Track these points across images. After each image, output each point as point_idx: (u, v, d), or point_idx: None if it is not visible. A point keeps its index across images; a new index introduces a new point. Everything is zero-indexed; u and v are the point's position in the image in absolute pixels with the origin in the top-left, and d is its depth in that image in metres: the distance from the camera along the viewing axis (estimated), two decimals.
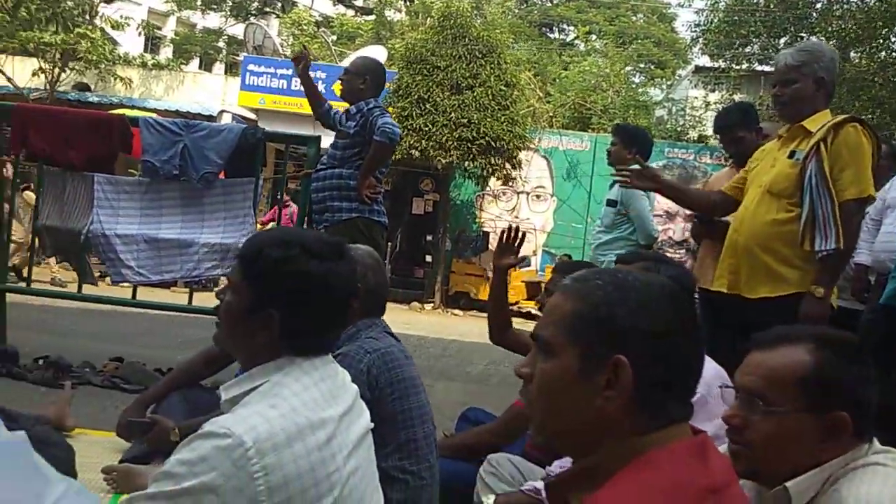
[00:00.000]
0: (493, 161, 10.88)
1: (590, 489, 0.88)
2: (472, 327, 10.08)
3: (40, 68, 12.53)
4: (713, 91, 15.54)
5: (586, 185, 13.29)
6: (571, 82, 16.06)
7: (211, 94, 13.72)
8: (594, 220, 12.96)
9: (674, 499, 0.84)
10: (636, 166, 2.87)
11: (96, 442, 2.77)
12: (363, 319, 1.99)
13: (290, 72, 12.38)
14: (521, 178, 11.96)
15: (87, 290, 4.67)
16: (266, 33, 14.34)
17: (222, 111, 12.42)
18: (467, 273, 12.55)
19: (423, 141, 10.53)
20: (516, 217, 13.62)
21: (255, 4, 21.77)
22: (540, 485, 1.71)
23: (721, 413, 1.28)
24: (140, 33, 16.74)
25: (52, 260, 8.58)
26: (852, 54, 12.22)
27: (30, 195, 7.49)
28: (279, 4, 21.97)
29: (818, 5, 12.86)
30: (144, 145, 4.11)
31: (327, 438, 1.17)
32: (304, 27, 18.04)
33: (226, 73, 21.42)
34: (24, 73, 12.60)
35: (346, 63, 13.56)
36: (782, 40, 12.88)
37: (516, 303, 12.23)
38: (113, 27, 13.49)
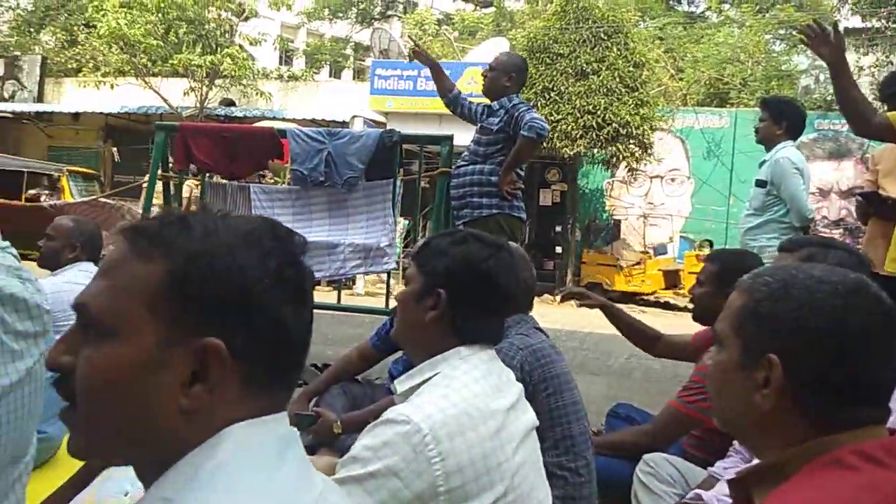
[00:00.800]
0: (622, 147, 10.55)
1: (773, 485, 0.87)
2: (607, 319, 9.86)
3: (190, 87, 13.65)
4: (866, 54, 14.14)
5: (727, 164, 12.56)
6: (705, 56, 15.22)
7: (342, 100, 14.33)
8: (737, 201, 12.24)
9: (857, 499, 0.80)
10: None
11: None
12: (513, 315, 2.02)
13: (415, 73, 12.67)
14: (654, 161, 11.50)
15: None
16: (391, 37, 14.75)
17: (354, 116, 12.93)
18: (599, 263, 12.28)
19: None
20: (650, 203, 13.14)
21: (378, 9, 22.45)
22: (706, 494, 1.66)
23: None
24: (275, 47, 17.79)
25: None
26: None
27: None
28: (401, 7, 22.53)
29: None
30: (292, 155, 4.38)
31: (496, 429, 1.22)
32: (427, 27, 18.39)
33: (354, 78, 22.32)
34: (176, 92, 13.79)
35: (468, 59, 13.70)
36: None
37: (653, 292, 11.82)
38: (251, 44, 14.44)
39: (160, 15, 12.55)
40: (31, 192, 11.56)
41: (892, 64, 12.44)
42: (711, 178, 12.72)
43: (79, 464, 1.89)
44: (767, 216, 3.63)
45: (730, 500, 1.01)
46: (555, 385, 1.91)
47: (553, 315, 9.87)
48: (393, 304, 4.34)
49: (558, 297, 11.81)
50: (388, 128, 12.55)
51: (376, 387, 3.06)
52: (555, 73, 10.60)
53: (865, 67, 13.85)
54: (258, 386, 0.70)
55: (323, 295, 6.98)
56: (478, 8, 21.78)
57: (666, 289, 11.43)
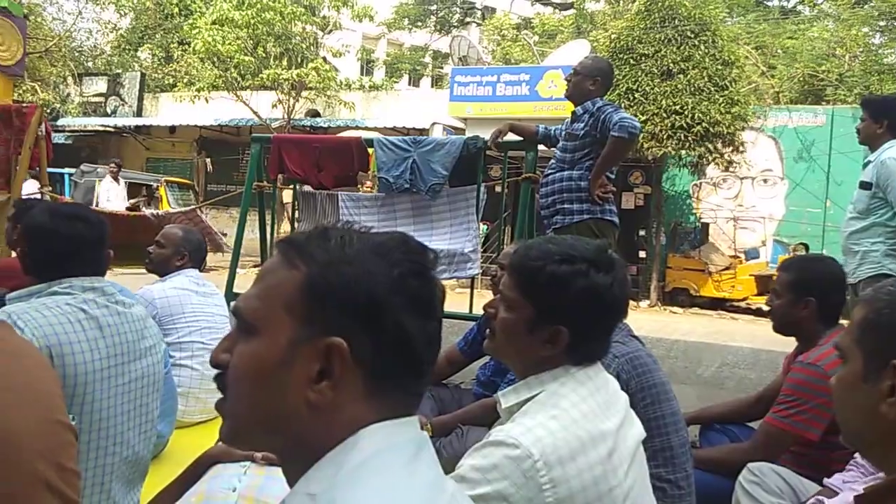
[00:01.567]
0: (711, 147, 10.18)
1: None
2: (695, 326, 9.54)
3: (278, 100, 14.16)
4: None
5: (823, 165, 11.90)
6: (798, 52, 14.50)
7: (422, 108, 14.52)
8: (834, 203, 11.57)
9: None
10: None
11: None
12: None
13: (494, 79, 12.69)
14: (744, 162, 11.05)
15: None
16: (470, 43, 14.84)
17: (434, 123, 13.07)
18: (686, 268, 11.87)
19: None
20: (740, 205, 12.63)
21: (457, 16, 22.63)
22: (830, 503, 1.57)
23: None
24: (358, 58, 18.21)
25: None
26: None
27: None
28: (479, 13, 22.62)
29: None
30: (378, 163, 4.46)
31: (608, 453, 1.17)
32: (505, 32, 18.38)
33: (432, 86, 22.58)
34: (265, 105, 14.34)
35: (548, 63, 13.60)
36: None
37: (744, 298, 11.34)
38: (334, 56, 14.84)
39: (249, 31, 13.08)
40: (133, 201, 12.30)
41: None
42: (806, 179, 12.09)
43: (187, 460, 1.99)
44: (872, 219, 3.42)
45: None
46: (653, 395, 1.86)
47: (638, 321, 9.62)
48: (477, 310, 4.35)
49: (643, 304, 11.53)
50: (466, 133, 12.68)
51: (464, 391, 3.07)
52: (639, 73, 10.36)
53: None
54: (383, 389, 0.74)
55: None
56: (557, 11, 21.61)
57: (758, 295, 10.91)
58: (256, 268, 9.78)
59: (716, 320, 10.62)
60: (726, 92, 10.15)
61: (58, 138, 13.88)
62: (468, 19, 22.85)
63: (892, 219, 3.34)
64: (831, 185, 11.66)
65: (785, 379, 2.23)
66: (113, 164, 11.43)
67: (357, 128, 12.87)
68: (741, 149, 10.66)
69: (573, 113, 3.73)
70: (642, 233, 12.56)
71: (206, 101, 14.18)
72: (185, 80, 17.14)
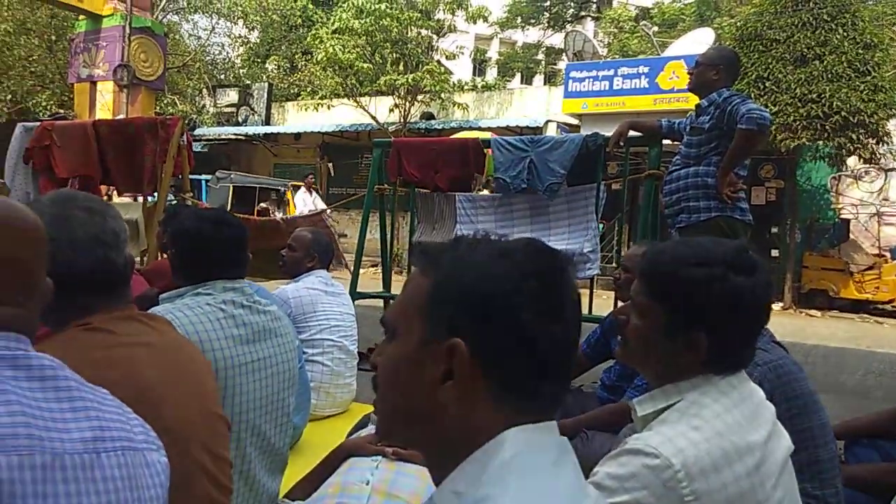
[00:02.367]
0: (852, 137, 9.39)
1: None
2: (835, 330, 8.84)
3: (395, 104, 14.53)
4: None
5: None
6: None
7: (535, 106, 14.40)
8: None
9: None
10: None
11: None
12: None
13: (611, 73, 12.37)
14: (890, 153, 10.10)
15: None
16: (585, 38, 14.54)
17: (548, 121, 12.93)
18: (824, 268, 11.02)
19: None
20: (885, 199, 11.57)
21: (571, 11, 22.26)
22: None
23: None
24: (471, 58, 18.33)
25: None
26: None
27: None
28: (594, 6, 22.14)
29: None
30: (496, 163, 4.47)
31: (755, 465, 1.11)
32: (623, 24, 17.87)
33: (545, 83, 22.33)
34: (382, 109, 14.75)
35: (669, 53, 13.08)
36: None
37: (891, 300, 10.39)
38: (447, 58, 15.02)
39: (367, 38, 13.52)
40: (262, 205, 13.05)
41: None
42: None
43: (320, 451, 2.08)
44: None
45: None
46: (799, 406, 1.74)
47: (772, 325, 8.94)
48: (596, 311, 4.25)
49: (776, 306, 10.81)
50: (581, 130, 12.44)
51: (587, 395, 3.01)
52: (770, 60, 9.72)
53: None
54: (513, 392, 0.74)
55: None
56: None
57: None
58: (375, 267, 10.10)
59: (858, 324, 9.79)
60: (869, 78, 9.32)
61: (195, 147, 14.98)
62: (583, 13, 22.41)
63: None
64: None
65: None
66: (310, 176, 12.36)
67: (471, 128, 12.96)
68: (886, 139, 9.75)
69: (698, 106, 3.55)
70: (775, 230, 11.78)
71: (328, 108, 14.79)
72: (308, 89, 17.97)
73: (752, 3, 11.20)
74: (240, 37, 19.75)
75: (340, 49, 13.01)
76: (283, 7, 17.30)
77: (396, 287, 5.95)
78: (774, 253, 11.56)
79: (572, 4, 22.10)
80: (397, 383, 0.78)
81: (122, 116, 12.27)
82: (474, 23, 14.32)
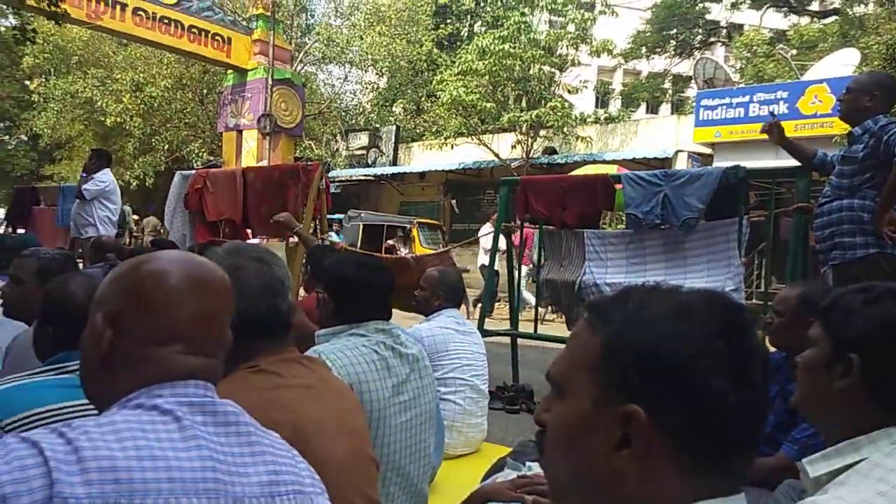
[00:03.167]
0: None
1: None
2: None
3: (517, 140, 14.63)
4: None
5: None
6: None
7: (663, 136, 13.99)
8: None
9: None
10: None
11: None
12: None
13: (746, 99, 11.82)
14: None
15: None
16: (716, 64, 14.01)
17: (678, 151, 12.51)
18: None
19: None
20: None
21: (699, 38, 21.57)
22: None
23: None
24: (595, 92, 18.16)
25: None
26: None
27: None
28: (724, 32, 21.33)
29: None
30: (627, 199, 4.37)
31: None
32: (757, 48, 17.06)
33: (672, 112, 21.67)
34: (505, 146, 14.90)
35: (809, 76, 12.31)
36: None
37: None
38: (570, 92, 14.97)
39: (490, 77, 13.78)
40: (389, 242, 13.51)
41: None
42: None
43: (453, 491, 2.08)
44: None
45: None
46: None
47: None
48: None
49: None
50: (714, 159, 11.90)
51: None
52: None
53: None
54: (700, 464, 0.68)
55: None
56: (816, 20, 19.54)
57: None
58: (498, 302, 10.10)
59: None
60: None
61: (331, 189, 15.83)
62: (712, 39, 21.64)
63: None
64: None
65: None
66: (494, 211, 12.71)
67: (594, 161, 12.78)
68: None
69: (850, 134, 3.29)
70: None
71: (452, 146, 15.18)
72: (433, 129, 18.55)
73: None
74: (370, 83, 20.80)
75: (464, 90, 13.33)
76: (409, 53, 18.05)
77: (524, 325, 5.91)
78: None
79: (700, 31, 21.40)
80: (569, 448, 0.73)
81: (264, 162, 13.24)
82: (598, 56, 14.21)
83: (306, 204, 5.16)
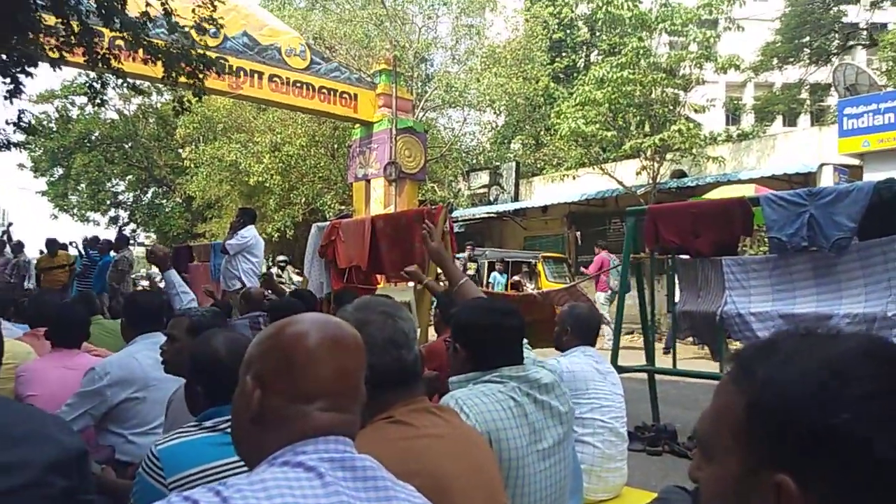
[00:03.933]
0: None
1: None
2: None
3: (642, 166, 14.20)
4: None
5: None
6: None
7: (804, 150, 13.06)
8: None
9: None
10: None
11: None
12: None
13: (894, 104, 10.82)
14: None
15: None
16: (858, 69, 12.96)
17: (822, 165, 11.61)
18: None
19: None
20: None
21: (836, 43, 20.10)
22: None
23: None
24: (724, 109, 17.34)
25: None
26: None
27: None
28: (865, 34, 19.75)
29: None
30: (768, 222, 4.10)
31: None
32: None
33: (813, 123, 20.24)
34: (629, 173, 14.51)
35: None
36: None
37: None
38: (696, 112, 14.37)
39: (609, 105, 13.55)
40: (515, 278, 13.48)
41: None
42: None
43: None
44: None
45: None
46: None
47: None
48: None
49: None
50: (864, 170, 10.93)
51: None
52: None
53: None
54: None
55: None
56: None
57: None
58: (630, 335, 9.74)
59: None
60: None
61: (454, 229, 16.13)
62: (851, 43, 20.08)
63: None
64: None
65: None
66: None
67: (729, 182, 12.13)
68: None
69: None
70: None
71: (573, 178, 15.00)
72: (553, 163, 18.46)
73: None
74: (488, 123, 21.14)
75: (583, 122, 13.20)
76: (526, 90, 18.19)
77: (660, 360, 5.64)
78: None
79: (836, 36, 19.94)
80: None
81: (391, 208, 13.75)
82: (724, 72, 13.61)
83: None
